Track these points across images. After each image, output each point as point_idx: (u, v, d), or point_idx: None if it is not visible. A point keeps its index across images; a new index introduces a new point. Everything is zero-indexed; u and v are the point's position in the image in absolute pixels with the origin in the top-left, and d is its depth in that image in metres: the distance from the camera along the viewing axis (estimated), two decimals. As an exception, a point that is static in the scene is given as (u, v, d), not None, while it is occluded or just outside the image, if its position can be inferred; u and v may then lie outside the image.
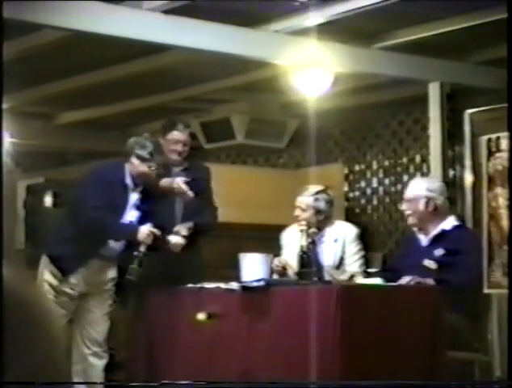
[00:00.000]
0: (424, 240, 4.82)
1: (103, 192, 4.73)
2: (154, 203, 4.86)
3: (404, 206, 4.94)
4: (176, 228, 4.93)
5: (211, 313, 4.38)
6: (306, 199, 5.12)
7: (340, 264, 5.14)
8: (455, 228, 4.80)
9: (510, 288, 4.00)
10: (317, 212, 5.09)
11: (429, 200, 4.79)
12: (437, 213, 4.80)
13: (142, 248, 4.69)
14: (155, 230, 4.70)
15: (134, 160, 4.77)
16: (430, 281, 4.47)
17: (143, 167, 4.76)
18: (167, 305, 4.70)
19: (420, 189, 4.85)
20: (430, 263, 4.62)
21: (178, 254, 4.96)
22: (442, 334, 4.24)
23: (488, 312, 4.80)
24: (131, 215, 4.78)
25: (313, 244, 4.84)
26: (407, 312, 4.26)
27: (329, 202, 5.20)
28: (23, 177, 9.29)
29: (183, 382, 4.30)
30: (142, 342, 4.71)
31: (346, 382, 3.84)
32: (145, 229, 4.69)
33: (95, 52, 6.30)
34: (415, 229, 4.92)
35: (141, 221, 4.78)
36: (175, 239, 4.88)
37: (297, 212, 5.12)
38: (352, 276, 4.79)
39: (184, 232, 4.93)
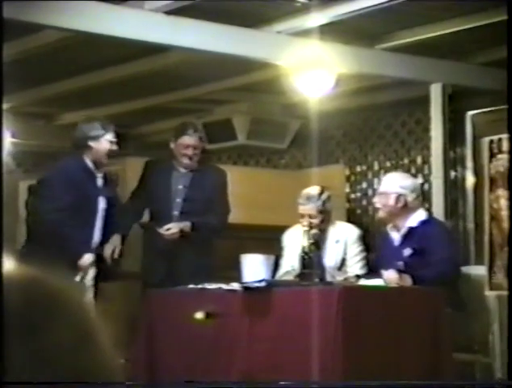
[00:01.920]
0: (396, 238, 4.88)
1: (70, 186, 4.73)
2: (115, 187, 4.91)
3: (375, 199, 5.01)
4: (168, 226, 5.08)
5: (210, 312, 4.37)
6: (314, 206, 5.09)
7: (342, 265, 5.13)
8: (423, 223, 4.83)
9: (510, 288, 3.99)
10: (325, 214, 5.12)
11: (399, 196, 4.83)
12: (407, 210, 4.84)
13: (89, 276, 4.69)
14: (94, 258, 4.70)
15: (92, 143, 4.77)
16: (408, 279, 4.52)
17: (105, 144, 4.79)
18: (169, 306, 4.70)
19: (392, 185, 4.90)
20: (400, 265, 4.66)
21: (185, 254, 5.08)
22: (443, 335, 4.23)
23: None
24: (102, 202, 4.79)
25: (315, 245, 4.84)
26: (408, 313, 4.25)
27: (329, 198, 5.24)
28: (25, 177, 9.29)
29: (183, 382, 4.29)
30: (143, 342, 4.71)
31: (347, 383, 3.83)
32: (88, 258, 4.70)
33: (97, 53, 6.29)
34: (388, 226, 4.95)
35: (108, 207, 4.81)
36: (163, 230, 5.03)
37: (306, 220, 5.07)
38: (358, 276, 4.79)
39: (175, 229, 5.03)
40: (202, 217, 5.16)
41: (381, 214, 4.93)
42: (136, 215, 5.37)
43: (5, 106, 4.49)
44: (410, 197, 4.85)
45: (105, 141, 4.78)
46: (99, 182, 4.85)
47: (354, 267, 5.13)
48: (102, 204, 4.81)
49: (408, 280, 4.52)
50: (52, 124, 8.72)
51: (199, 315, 4.36)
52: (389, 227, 4.94)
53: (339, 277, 4.86)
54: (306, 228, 4.98)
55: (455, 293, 4.66)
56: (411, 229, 4.81)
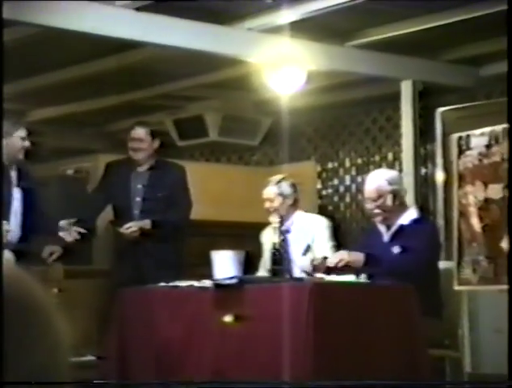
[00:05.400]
0: (385, 234, 4.72)
1: None
2: (31, 180, 4.83)
3: (370, 205, 4.70)
4: (127, 224, 5.13)
5: (239, 315, 4.23)
6: (271, 189, 5.20)
7: (306, 252, 5.15)
8: (414, 222, 4.69)
9: (510, 286, 3.96)
10: (284, 197, 5.16)
11: (395, 194, 4.67)
12: (400, 205, 4.70)
13: None
14: None
15: (5, 140, 4.63)
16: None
17: (17, 141, 4.67)
18: (140, 304, 4.69)
19: (383, 185, 4.66)
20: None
21: (149, 252, 5.15)
22: (417, 331, 4.25)
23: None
24: (16, 192, 4.71)
25: (285, 241, 4.85)
26: (380, 310, 4.27)
27: (293, 186, 5.26)
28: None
29: (159, 382, 4.29)
30: (114, 340, 4.69)
31: (318, 382, 3.85)
32: (6, 255, 4.46)
33: (67, 49, 6.26)
34: (378, 222, 4.76)
35: (26, 199, 4.72)
36: (123, 229, 5.09)
37: (267, 204, 5.18)
38: (325, 258, 4.72)
39: (134, 228, 5.09)
40: (163, 214, 5.20)
41: (381, 217, 4.68)
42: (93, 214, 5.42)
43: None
44: (402, 192, 4.74)
45: (16, 138, 4.71)
46: (13, 173, 4.74)
47: (324, 252, 5.11)
48: (16, 194, 4.72)
49: (359, 259, 4.51)
50: (23, 120, 8.65)
51: (228, 318, 4.24)
52: (378, 221, 4.75)
53: (305, 261, 4.88)
54: (276, 224, 5.00)
55: (432, 299, 4.59)
56: (402, 227, 4.66)
